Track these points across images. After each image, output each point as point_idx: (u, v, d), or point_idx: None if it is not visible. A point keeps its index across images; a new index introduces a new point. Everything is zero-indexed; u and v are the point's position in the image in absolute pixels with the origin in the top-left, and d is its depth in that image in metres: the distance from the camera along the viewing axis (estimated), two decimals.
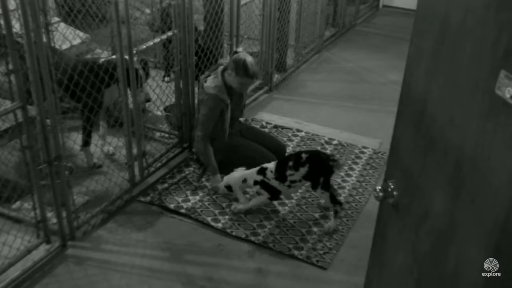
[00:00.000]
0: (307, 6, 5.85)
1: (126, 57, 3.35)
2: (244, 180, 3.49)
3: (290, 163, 3.38)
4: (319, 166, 3.35)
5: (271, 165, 3.47)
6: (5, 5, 2.45)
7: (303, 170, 3.34)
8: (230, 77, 3.65)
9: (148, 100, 3.89)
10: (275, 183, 3.42)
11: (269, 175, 3.42)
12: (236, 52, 3.69)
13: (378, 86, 5.65)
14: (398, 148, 1.81)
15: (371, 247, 2.09)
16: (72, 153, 3.92)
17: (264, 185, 3.44)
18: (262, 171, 3.46)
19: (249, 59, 3.61)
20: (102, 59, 3.72)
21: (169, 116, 4.40)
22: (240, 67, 3.56)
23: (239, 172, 3.55)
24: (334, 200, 3.38)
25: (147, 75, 3.91)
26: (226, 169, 3.71)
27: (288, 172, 3.37)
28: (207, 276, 3.03)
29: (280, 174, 3.40)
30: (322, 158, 3.40)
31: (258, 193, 3.56)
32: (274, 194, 3.47)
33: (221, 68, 3.72)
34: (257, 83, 5.19)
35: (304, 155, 3.38)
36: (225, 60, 3.85)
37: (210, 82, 3.68)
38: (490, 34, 1.25)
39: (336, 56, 6.48)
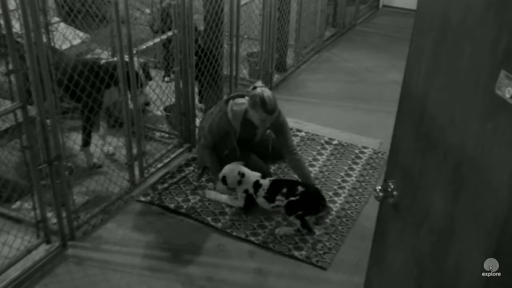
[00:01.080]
0: (307, 6, 5.85)
1: (127, 59, 3.34)
2: (242, 175, 3.47)
3: (284, 190, 3.37)
4: (307, 203, 3.35)
5: (265, 183, 3.45)
6: (5, 5, 2.45)
7: (292, 199, 3.34)
8: (250, 113, 3.55)
9: (147, 104, 3.89)
10: (261, 200, 3.45)
11: (260, 193, 3.44)
12: (255, 88, 3.57)
13: (378, 86, 5.65)
14: (398, 148, 1.81)
15: (371, 247, 2.09)
16: (72, 153, 3.92)
17: (248, 197, 3.47)
18: (257, 186, 3.45)
19: (267, 93, 3.47)
20: (103, 60, 3.72)
21: (169, 116, 4.40)
22: (258, 103, 3.43)
23: (239, 166, 3.53)
24: (305, 226, 3.34)
25: (147, 77, 3.90)
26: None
27: (278, 197, 3.37)
28: (207, 276, 3.03)
29: (270, 195, 3.41)
30: (315, 198, 3.41)
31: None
32: (248, 207, 3.50)
33: (246, 102, 3.61)
34: (259, 84, 5.18)
35: (300, 188, 3.37)
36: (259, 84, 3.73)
37: (236, 105, 3.62)
38: (490, 34, 1.25)
39: (336, 56, 6.48)
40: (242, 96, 3.67)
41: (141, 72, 3.65)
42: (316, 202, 3.40)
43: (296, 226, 3.35)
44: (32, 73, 2.69)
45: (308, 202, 3.35)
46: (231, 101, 3.66)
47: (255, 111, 3.48)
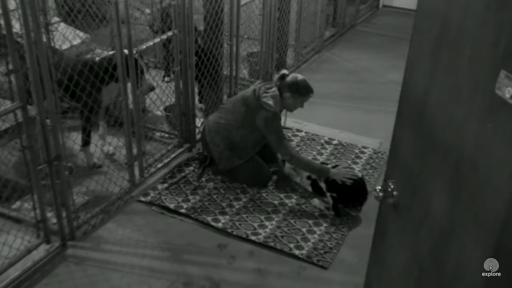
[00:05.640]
0: (307, 6, 5.85)
1: (126, 51, 3.34)
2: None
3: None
4: (343, 191, 3.54)
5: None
6: (5, 5, 2.45)
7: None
8: (290, 100, 3.66)
9: (153, 89, 3.85)
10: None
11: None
12: (283, 76, 3.69)
13: (378, 86, 5.65)
14: (398, 148, 1.81)
15: (371, 247, 2.09)
16: (72, 153, 3.92)
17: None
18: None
19: (301, 76, 3.71)
20: (98, 58, 3.72)
21: (169, 116, 4.40)
22: (302, 87, 3.65)
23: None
24: (335, 209, 3.56)
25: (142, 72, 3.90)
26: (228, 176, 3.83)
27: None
28: (207, 276, 3.03)
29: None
30: (352, 192, 3.55)
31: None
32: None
33: (275, 89, 3.66)
34: (257, 82, 5.19)
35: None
36: (284, 71, 3.80)
37: (271, 99, 3.61)
38: (490, 34, 1.25)
39: (336, 56, 6.48)
40: (267, 90, 3.69)
41: (141, 62, 3.62)
42: (352, 196, 3.55)
43: (328, 204, 3.57)
44: (32, 73, 2.69)
45: (344, 191, 3.52)
46: (260, 93, 3.65)
47: (301, 95, 3.67)
